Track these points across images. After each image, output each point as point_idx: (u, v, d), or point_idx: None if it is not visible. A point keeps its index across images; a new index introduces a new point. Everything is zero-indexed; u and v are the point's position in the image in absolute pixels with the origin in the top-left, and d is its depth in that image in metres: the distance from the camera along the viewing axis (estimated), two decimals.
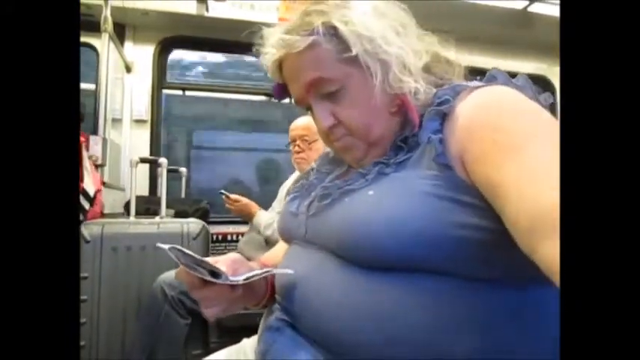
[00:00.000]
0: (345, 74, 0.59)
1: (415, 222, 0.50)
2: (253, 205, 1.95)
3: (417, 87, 0.59)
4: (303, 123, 1.91)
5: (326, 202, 0.60)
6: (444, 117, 0.55)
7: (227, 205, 1.99)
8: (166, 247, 0.56)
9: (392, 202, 0.52)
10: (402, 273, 0.50)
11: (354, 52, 0.57)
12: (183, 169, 2.43)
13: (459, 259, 0.50)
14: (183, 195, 2.47)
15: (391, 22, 0.61)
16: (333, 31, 0.58)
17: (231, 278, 0.55)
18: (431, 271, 0.50)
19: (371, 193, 0.55)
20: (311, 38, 0.58)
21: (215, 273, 0.56)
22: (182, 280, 0.59)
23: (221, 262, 0.59)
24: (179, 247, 0.55)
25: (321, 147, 1.86)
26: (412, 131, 0.59)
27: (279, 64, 0.63)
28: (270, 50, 0.62)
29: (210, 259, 0.57)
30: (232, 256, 0.63)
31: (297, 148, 1.89)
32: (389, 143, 0.61)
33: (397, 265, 0.50)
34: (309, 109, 0.65)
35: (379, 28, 0.59)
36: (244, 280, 0.56)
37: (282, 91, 0.68)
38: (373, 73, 0.58)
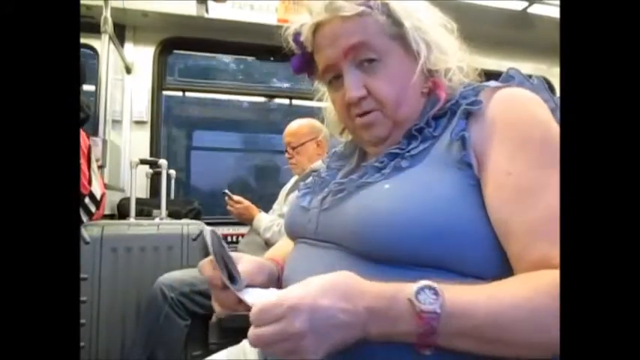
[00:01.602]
0: (387, 48, 0.60)
1: (431, 218, 0.51)
2: (254, 208, 1.94)
3: (453, 68, 0.61)
4: (289, 129, 1.96)
5: (341, 196, 0.60)
6: (468, 116, 0.57)
7: (228, 207, 1.98)
8: (209, 228, 0.56)
9: (409, 196, 0.53)
10: (416, 269, 0.51)
11: (406, 25, 0.59)
12: (172, 172, 2.41)
13: (476, 254, 0.51)
14: (172, 196, 2.46)
15: (434, 16, 0.64)
16: (384, 7, 0.60)
17: (239, 290, 0.55)
18: (445, 268, 0.50)
19: (387, 186, 0.56)
20: (362, 8, 0.59)
21: (233, 275, 0.55)
22: (204, 273, 0.60)
23: (245, 263, 0.62)
24: (219, 234, 0.55)
25: (309, 150, 1.89)
26: (432, 116, 0.60)
27: (314, 30, 0.63)
28: (308, 15, 0.63)
29: (235, 255, 0.58)
30: (258, 262, 0.65)
31: (287, 155, 1.96)
32: (412, 125, 0.61)
33: (411, 260, 0.51)
34: (332, 80, 0.65)
35: (427, 16, 0.62)
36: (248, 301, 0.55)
37: (302, 62, 0.68)
38: (419, 50, 0.60)
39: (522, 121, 0.54)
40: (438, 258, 0.51)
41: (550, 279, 0.45)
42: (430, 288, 0.45)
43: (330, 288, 0.46)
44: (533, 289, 0.45)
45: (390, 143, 0.62)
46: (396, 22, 0.60)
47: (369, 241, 0.53)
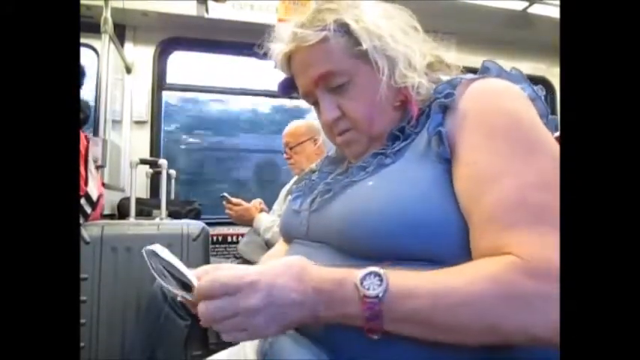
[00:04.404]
0: (353, 68, 0.62)
1: (415, 211, 0.52)
2: (253, 209, 1.94)
3: (420, 81, 0.61)
4: (287, 130, 1.99)
5: (327, 197, 0.62)
6: (445, 110, 0.57)
7: (227, 211, 1.96)
8: (144, 249, 0.54)
9: (391, 191, 0.54)
10: (402, 263, 0.51)
11: (364, 47, 0.60)
12: (172, 172, 2.40)
13: (458, 247, 0.51)
14: (172, 196, 2.46)
15: (399, 23, 0.64)
16: (344, 28, 0.61)
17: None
18: (431, 261, 0.50)
19: (371, 184, 0.57)
20: (323, 33, 0.61)
21: (188, 285, 0.51)
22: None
23: (200, 273, 0.54)
24: (156, 250, 0.54)
25: (307, 149, 1.91)
26: (409, 122, 0.61)
27: (289, 58, 0.66)
28: (281, 44, 0.65)
29: (190, 271, 0.52)
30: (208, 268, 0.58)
31: (285, 155, 1.99)
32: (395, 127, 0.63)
33: (396, 254, 0.51)
34: (314, 103, 0.68)
35: (388, 28, 0.62)
36: None
37: (287, 85, 0.70)
38: (381, 68, 0.61)
39: (490, 111, 0.54)
40: (423, 250, 0.51)
41: (494, 264, 0.45)
42: (376, 274, 0.47)
43: (285, 269, 0.48)
44: (474, 274, 0.46)
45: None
46: (358, 42, 0.61)
47: (355, 239, 0.55)
